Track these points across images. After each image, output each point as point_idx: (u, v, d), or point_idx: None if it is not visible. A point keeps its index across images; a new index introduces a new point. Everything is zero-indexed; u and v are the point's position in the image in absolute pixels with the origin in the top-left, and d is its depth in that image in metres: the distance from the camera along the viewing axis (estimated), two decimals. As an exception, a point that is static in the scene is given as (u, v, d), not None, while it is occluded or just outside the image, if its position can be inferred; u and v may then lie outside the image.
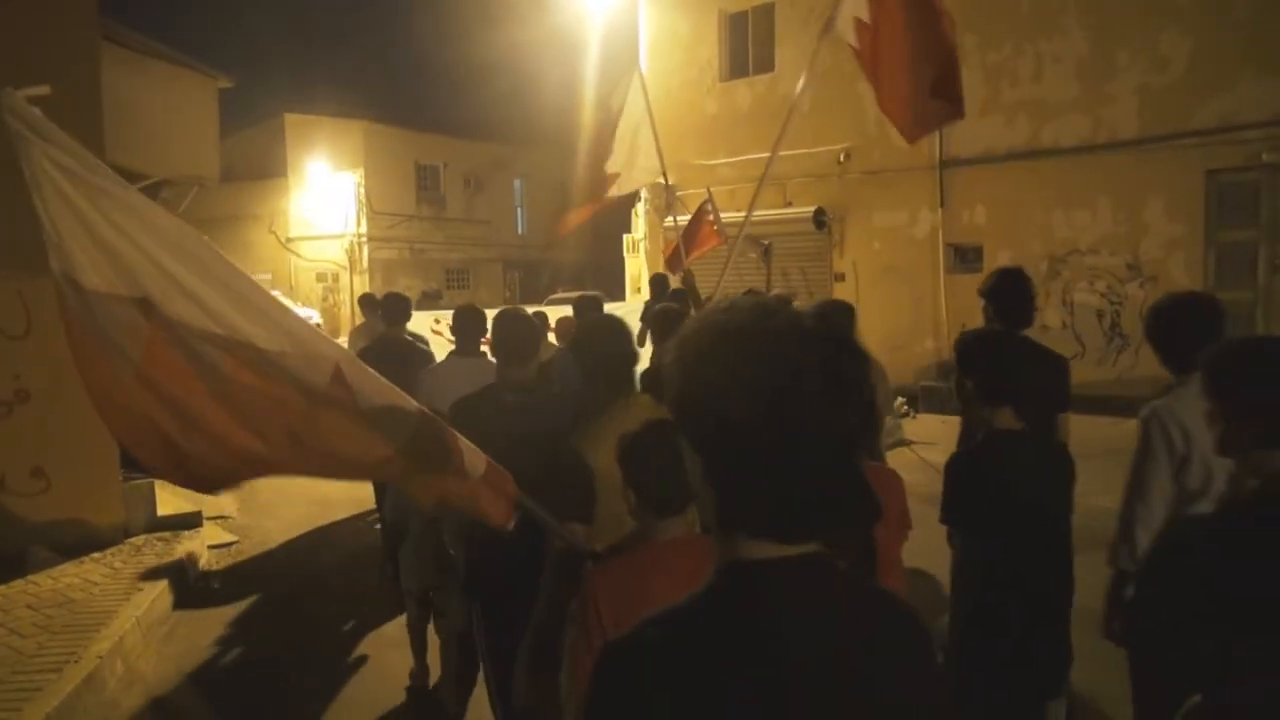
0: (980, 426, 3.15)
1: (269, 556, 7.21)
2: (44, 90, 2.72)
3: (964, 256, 14.31)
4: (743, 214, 17.44)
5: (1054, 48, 13.26)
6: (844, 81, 15.51)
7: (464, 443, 2.40)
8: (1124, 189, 12.72)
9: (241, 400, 2.26)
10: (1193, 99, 12.13)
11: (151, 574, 6.14)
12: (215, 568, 6.88)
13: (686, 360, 1.13)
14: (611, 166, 7.99)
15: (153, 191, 9.06)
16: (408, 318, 6.89)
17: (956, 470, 3.04)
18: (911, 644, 1.21)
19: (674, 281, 8.27)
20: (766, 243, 14.95)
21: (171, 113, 8.64)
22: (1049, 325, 13.35)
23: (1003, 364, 3.05)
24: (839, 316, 4.04)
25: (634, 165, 8.14)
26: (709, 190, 11.77)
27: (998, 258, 13.86)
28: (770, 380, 1.06)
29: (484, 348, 4.91)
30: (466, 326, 5.36)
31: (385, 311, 6.91)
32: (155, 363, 2.23)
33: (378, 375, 2.36)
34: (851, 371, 1.10)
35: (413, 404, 2.39)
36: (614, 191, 8.02)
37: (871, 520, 1.19)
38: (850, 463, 1.12)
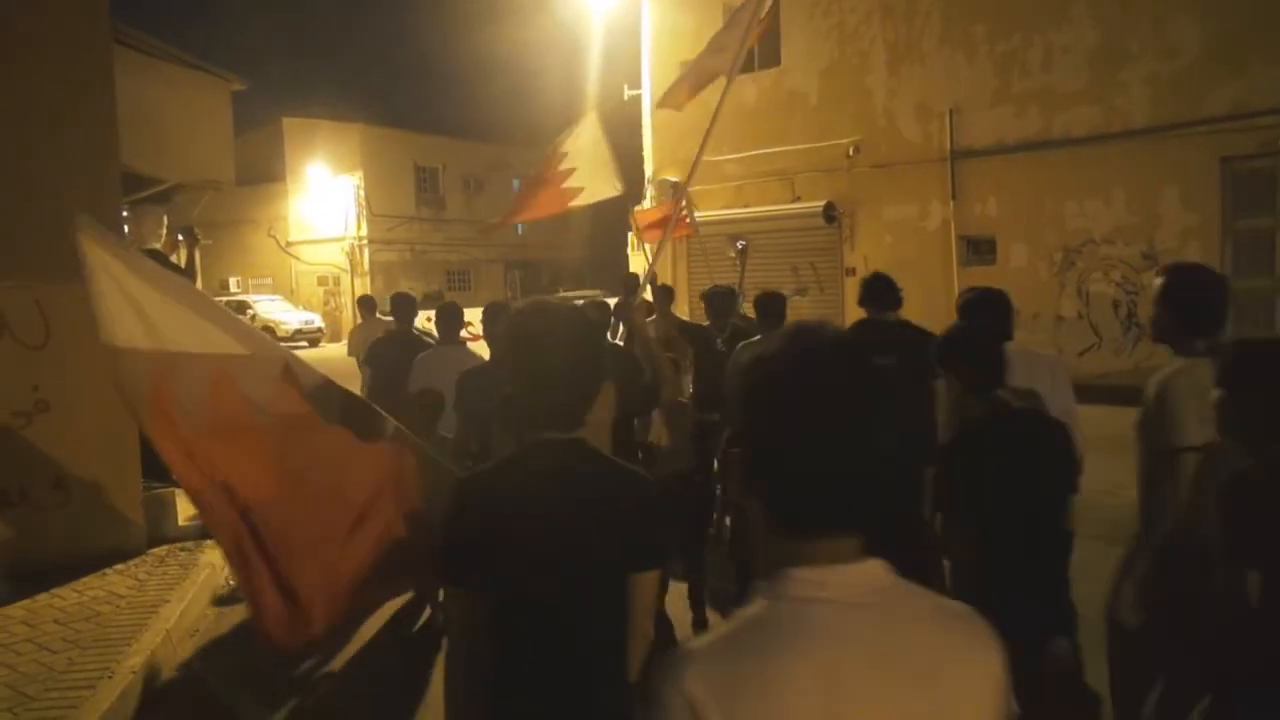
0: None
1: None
2: None
3: (976, 249, 14.23)
4: (750, 210, 17.53)
5: (1064, 37, 13.18)
6: (852, 75, 15.46)
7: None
8: (1137, 178, 12.65)
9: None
10: (1205, 86, 12.06)
11: (177, 585, 6.04)
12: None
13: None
14: (574, 182, 8.60)
15: (168, 195, 8.96)
16: (414, 314, 7.57)
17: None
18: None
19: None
20: (743, 243, 15.26)
21: (185, 116, 8.53)
22: (1064, 316, 13.29)
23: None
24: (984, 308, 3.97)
25: (594, 180, 8.55)
26: (683, 185, 11.86)
27: (1010, 249, 13.80)
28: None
29: (465, 337, 6.37)
30: (447, 322, 6.27)
31: (394, 310, 7.53)
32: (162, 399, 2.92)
33: (309, 366, 3.10)
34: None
35: (335, 385, 3.15)
36: (576, 203, 8.68)
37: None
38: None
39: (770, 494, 1.21)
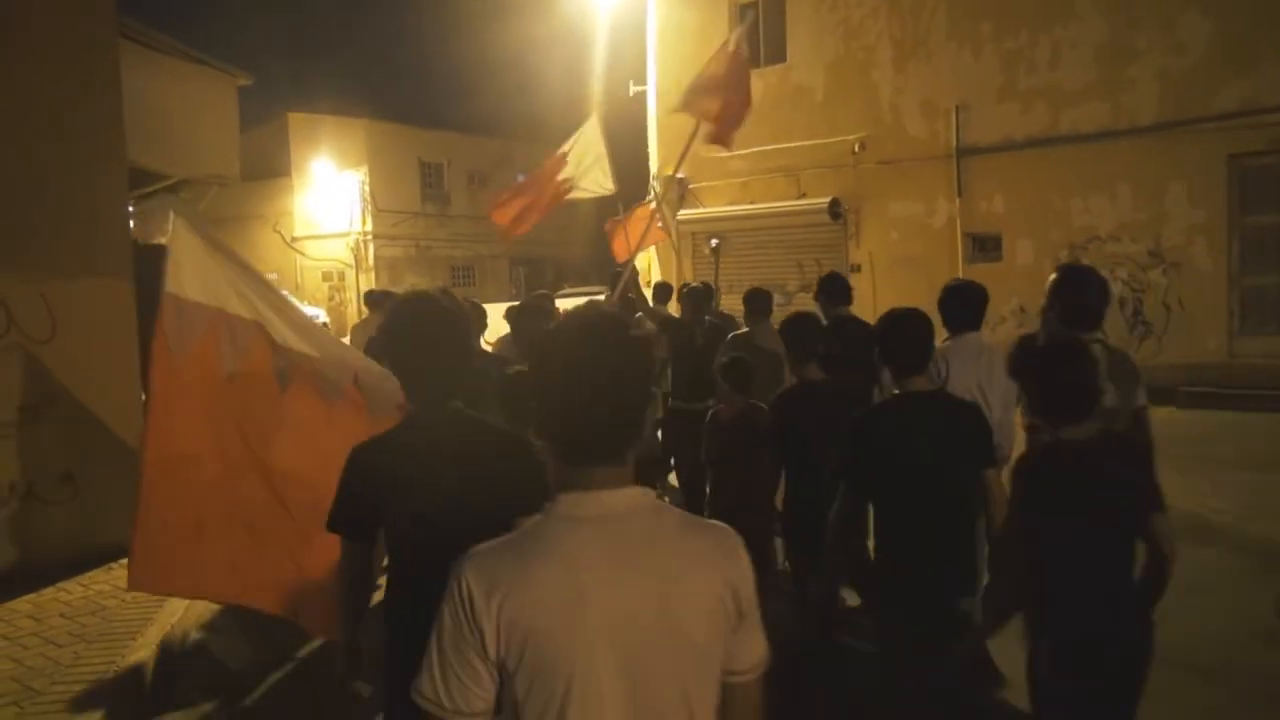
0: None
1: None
2: None
3: (983, 246, 14.19)
4: (755, 206, 17.53)
5: (1071, 33, 13.13)
6: (857, 71, 15.42)
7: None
8: (1144, 175, 12.60)
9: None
10: (1214, 82, 12.01)
11: (183, 580, 6.04)
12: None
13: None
14: (566, 172, 9.40)
15: (174, 191, 8.97)
16: None
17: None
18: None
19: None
20: (716, 241, 16.04)
21: (191, 111, 8.52)
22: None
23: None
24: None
25: (586, 176, 9.45)
26: (654, 192, 13.49)
27: (1017, 246, 13.76)
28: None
29: None
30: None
31: (381, 307, 8.37)
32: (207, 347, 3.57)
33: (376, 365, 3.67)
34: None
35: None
36: (567, 195, 9.53)
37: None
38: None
39: (549, 434, 1.57)
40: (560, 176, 9.46)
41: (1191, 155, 12.13)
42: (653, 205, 11.74)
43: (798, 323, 4.57)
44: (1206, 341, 12.18)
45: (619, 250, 11.82)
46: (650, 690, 1.50)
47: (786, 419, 4.35)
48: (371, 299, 9.85)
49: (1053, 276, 3.97)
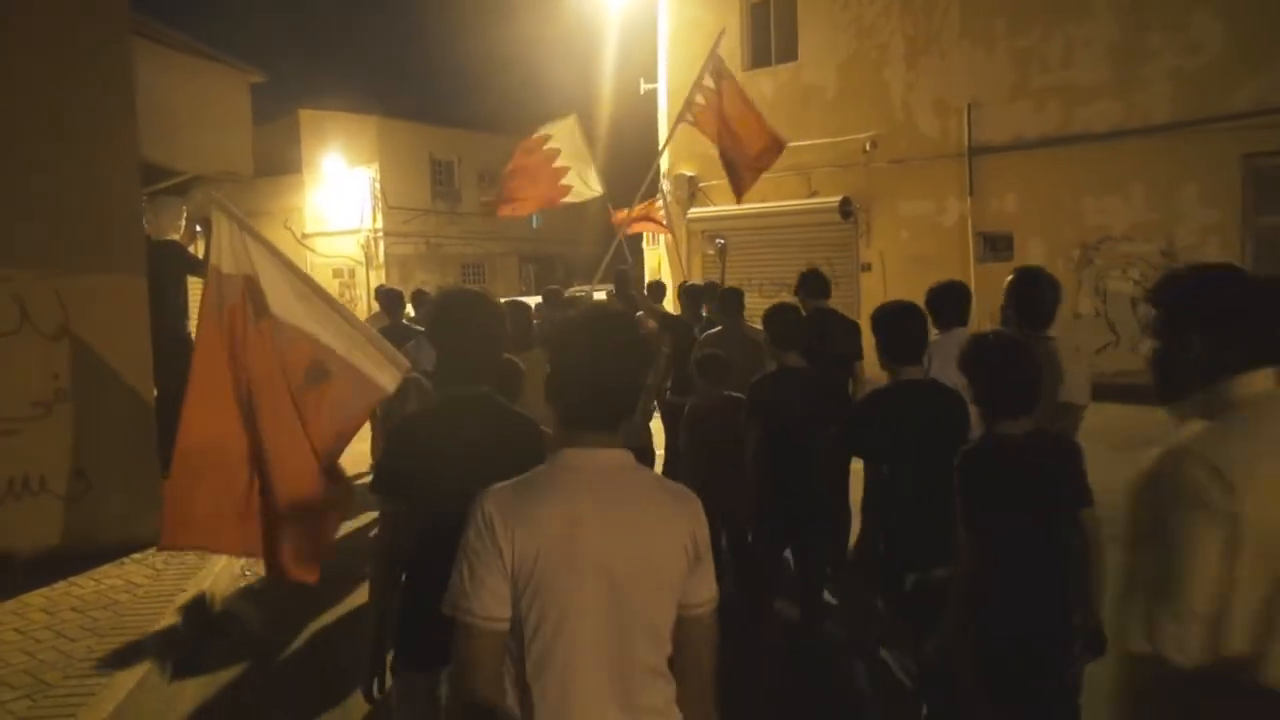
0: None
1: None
2: None
3: (994, 245, 14.14)
4: (766, 205, 17.52)
5: (1084, 31, 13.07)
6: (869, 70, 15.38)
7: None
8: (1158, 174, 12.54)
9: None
10: (1228, 82, 11.93)
11: (194, 574, 6.07)
12: (255, 568, 6.80)
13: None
14: (567, 180, 10.15)
15: (186, 187, 8.99)
16: (403, 307, 8.87)
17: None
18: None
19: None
20: (722, 241, 16.26)
21: (204, 108, 8.55)
22: (1081, 313, 13.20)
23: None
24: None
25: (581, 180, 10.20)
26: (663, 192, 13.93)
27: (1028, 246, 13.71)
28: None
29: None
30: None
31: (381, 303, 8.94)
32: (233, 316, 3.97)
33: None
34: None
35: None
36: (566, 199, 10.35)
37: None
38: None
39: (559, 401, 1.98)
40: (561, 182, 10.15)
41: (1205, 155, 12.06)
42: (658, 203, 12.69)
43: (780, 313, 4.90)
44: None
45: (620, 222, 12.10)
46: (626, 613, 1.87)
47: (764, 399, 4.69)
48: (382, 294, 9.91)
49: (1009, 278, 4.32)
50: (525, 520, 1.83)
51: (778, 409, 4.61)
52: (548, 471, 1.93)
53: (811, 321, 5.93)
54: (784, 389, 4.68)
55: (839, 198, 15.37)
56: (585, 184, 10.22)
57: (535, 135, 10.43)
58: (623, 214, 12.11)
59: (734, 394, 5.17)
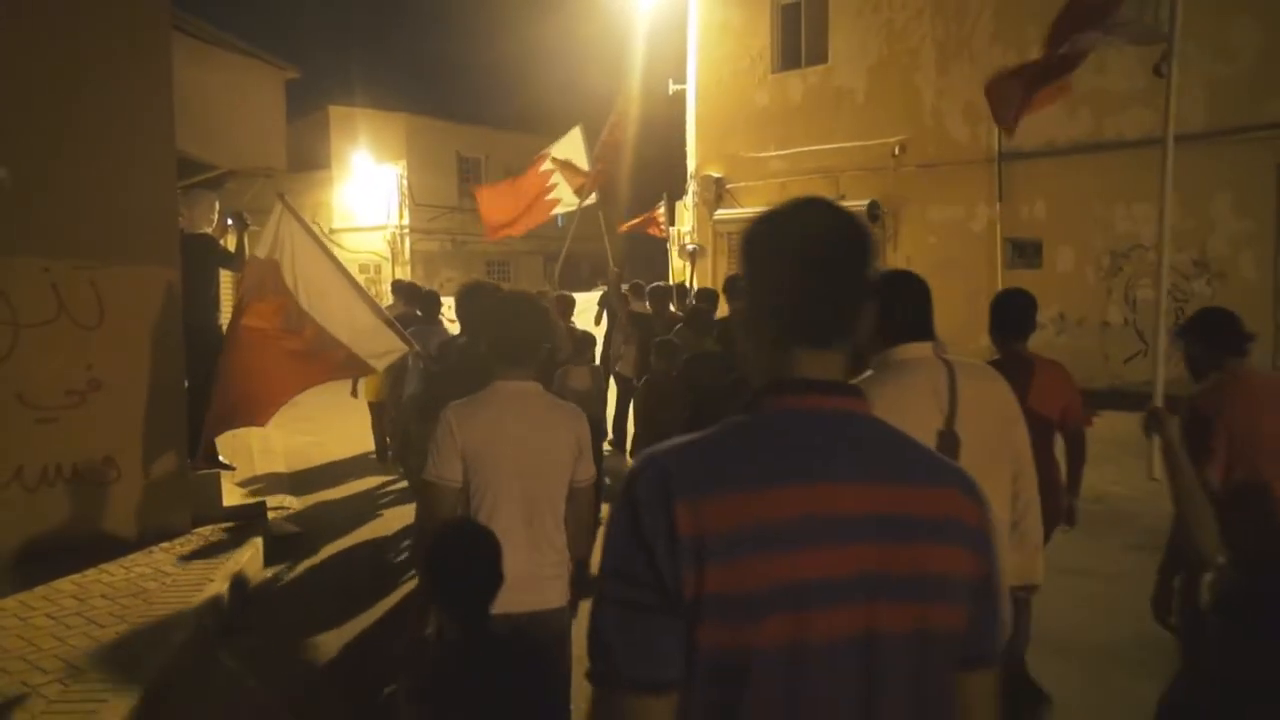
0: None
1: (333, 545, 7.19)
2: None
3: (1023, 251, 14.05)
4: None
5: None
6: (899, 74, 15.32)
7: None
8: (1190, 183, 12.35)
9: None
10: (1263, 91, 11.81)
11: (220, 564, 6.13)
12: (282, 559, 6.87)
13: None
14: (555, 194, 10.62)
15: (220, 181, 9.07)
16: (421, 299, 9.10)
17: None
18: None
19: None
20: (694, 247, 17.44)
21: (240, 103, 8.62)
22: (1110, 322, 13.10)
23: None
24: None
25: (570, 190, 10.49)
26: (665, 202, 14.77)
27: (1057, 252, 13.62)
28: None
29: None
30: (427, 306, 8.30)
31: (395, 294, 10.06)
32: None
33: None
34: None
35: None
36: (555, 211, 10.95)
37: None
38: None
39: (490, 349, 3.13)
40: (548, 196, 10.70)
41: (1239, 164, 11.93)
42: (660, 211, 13.93)
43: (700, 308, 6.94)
44: (1250, 353, 11.97)
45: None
46: (534, 487, 2.99)
47: (690, 378, 5.79)
48: (400, 287, 10.68)
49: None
50: (470, 421, 2.97)
51: (699, 387, 5.51)
52: (486, 393, 3.03)
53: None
54: (701, 370, 5.75)
55: (867, 201, 15.31)
56: (573, 194, 10.45)
57: (541, 156, 10.97)
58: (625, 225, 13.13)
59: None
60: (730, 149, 17.45)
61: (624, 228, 12.99)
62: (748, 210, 17.12)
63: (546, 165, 10.71)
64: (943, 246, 14.71)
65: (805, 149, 16.10)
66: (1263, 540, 3.02)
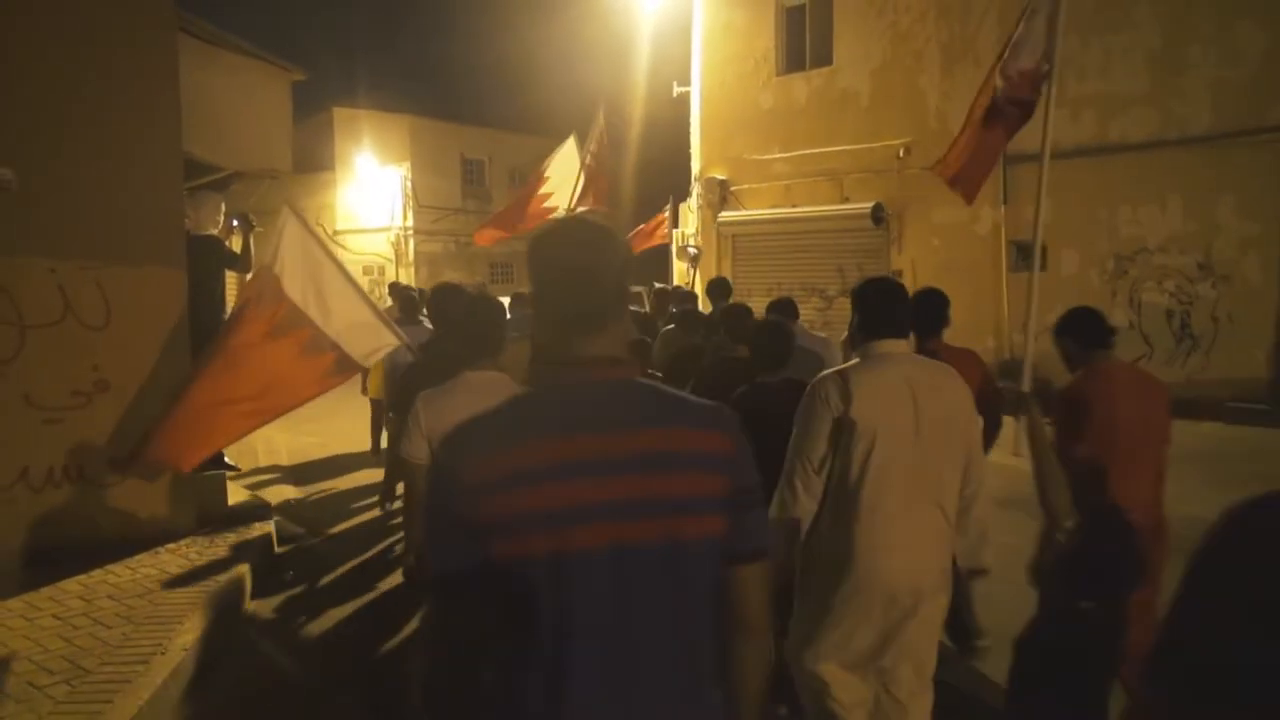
0: None
1: (338, 545, 7.20)
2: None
3: (1026, 254, 14.00)
4: (798, 210, 17.55)
5: (1123, 40, 12.94)
6: (904, 76, 15.30)
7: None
8: (1195, 186, 12.40)
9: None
10: (1269, 94, 11.80)
11: (226, 565, 6.14)
12: (287, 559, 6.88)
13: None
14: (551, 202, 10.83)
15: (225, 183, 9.09)
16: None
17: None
18: None
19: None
20: (695, 251, 17.73)
21: (246, 105, 8.64)
22: (1115, 324, 13.05)
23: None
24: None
25: (565, 194, 10.71)
26: (670, 207, 14.44)
27: (1062, 256, 13.60)
28: None
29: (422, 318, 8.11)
30: (405, 305, 8.55)
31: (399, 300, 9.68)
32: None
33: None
34: None
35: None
36: (552, 217, 10.64)
37: None
38: None
39: (457, 344, 3.90)
40: (544, 205, 10.94)
41: (1245, 167, 11.92)
42: (665, 215, 14.11)
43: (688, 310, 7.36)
44: (1255, 356, 11.96)
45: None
46: None
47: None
48: (394, 290, 10.76)
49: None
50: (435, 406, 3.56)
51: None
52: (453, 383, 3.63)
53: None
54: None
55: (871, 203, 15.31)
56: (566, 201, 10.78)
57: (540, 179, 11.33)
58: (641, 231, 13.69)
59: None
60: (734, 151, 17.45)
61: (638, 248, 13.68)
62: (752, 213, 17.12)
63: (545, 189, 11.21)
64: (947, 249, 14.70)
65: (810, 151, 16.10)
66: (1099, 508, 3.33)
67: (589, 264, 1.67)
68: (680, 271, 18.44)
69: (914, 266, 15.03)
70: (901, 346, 3.22)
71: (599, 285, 1.67)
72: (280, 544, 7.06)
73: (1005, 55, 6.65)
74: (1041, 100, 6.62)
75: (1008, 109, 6.73)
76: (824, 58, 16.40)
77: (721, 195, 17.66)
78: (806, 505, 3.15)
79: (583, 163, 10.84)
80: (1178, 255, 12.64)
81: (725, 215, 17.52)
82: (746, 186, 17.32)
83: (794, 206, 16.54)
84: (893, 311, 3.24)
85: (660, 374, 5.99)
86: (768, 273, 16.72)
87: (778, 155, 16.71)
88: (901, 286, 3.40)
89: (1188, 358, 12.48)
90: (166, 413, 5.62)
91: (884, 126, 15.41)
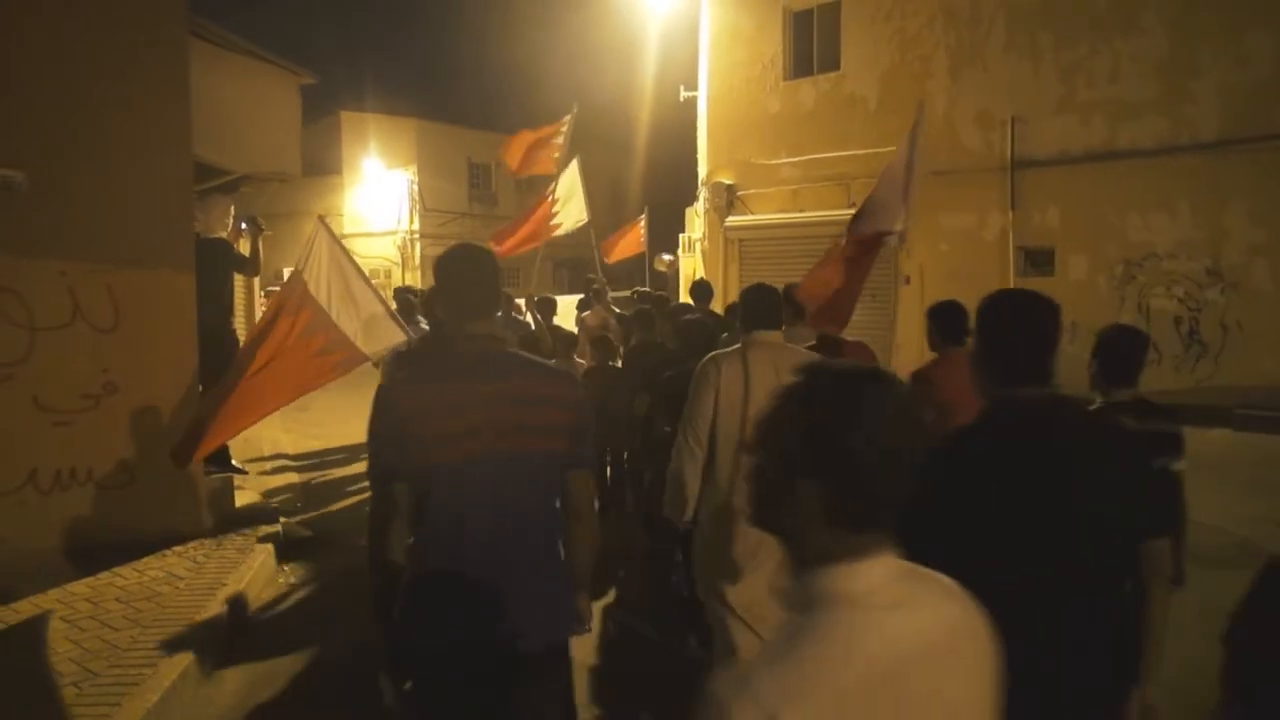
0: None
1: (344, 550, 7.18)
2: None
3: (1035, 260, 14.00)
4: (805, 214, 17.49)
5: (1132, 46, 12.91)
6: (911, 81, 15.28)
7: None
8: (1204, 192, 12.35)
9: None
10: (1278, 100, 11.74)
11: (234, 568, 6.14)
12: (293, 561, 6.87)
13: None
14: (556, 220, 11.57)
15: (234, 185, 9.11)
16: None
17: None
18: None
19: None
20: (671, 258, 18.44)
21: (255, 108, 8.65)
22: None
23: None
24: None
25: (568, 211, 11.45)
26: (645, 217, 14.92)
27: (1070, 261, 13.57)
28: None
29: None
30: (403, 308, 8.05)
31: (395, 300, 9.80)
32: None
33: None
34: None
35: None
36: (556, 234, 11.71)
37: None
38: None
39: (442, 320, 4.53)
40: (550, 222, 11.67)
41: (1254, 173, 11.87)
42: (640, 224, 14.84)
43: (644, 309, 7.76)
44: (1264, 363, 11.90)
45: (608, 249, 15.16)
46: None
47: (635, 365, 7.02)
48: (399, 295, 10.46)
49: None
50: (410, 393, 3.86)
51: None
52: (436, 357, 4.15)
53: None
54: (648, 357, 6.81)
55: (878, 209, 15.26)
56: (571, 216, 11.61)
57: (548, 200, 11.90)
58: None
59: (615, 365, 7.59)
60: (742, 156, 17.45)
61: (612, 259, 15.23)
62: (759, 217, 17.11)
63: (555, 208, 11.77)
64: (955, 254, 14.66)
65: (817, 156, 16.09)
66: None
67: (476, 275, 2.66)
68: (712, 274, 18.43)
69: (922, 272, 14.99)
70: (775, 337, 3.84)
71: (483, 288, 2.64)
72: (287, 547, 7.06)
73: (860, 215, 7.05)
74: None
75: (861, 258, 7.11)
76: (831, 62, 16.39)
77: (728, 200, 17.65)
78: (692, 461, 3.75)
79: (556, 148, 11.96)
80: (1186, 261, 12.59)
81: (732, 220, 17.51)
82: (754, 191, 17.31)
83: (801, 211, 16.52)
84: (769, 309, 3.91)
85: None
86: (775, 277, 16.55)
87: (785, 160, 16.70)
88: (775, 289, 4.06)
89: (1196, 364, 12.43)
90: (210, 412, 5.39)
91: (891, 131, 15.34)
